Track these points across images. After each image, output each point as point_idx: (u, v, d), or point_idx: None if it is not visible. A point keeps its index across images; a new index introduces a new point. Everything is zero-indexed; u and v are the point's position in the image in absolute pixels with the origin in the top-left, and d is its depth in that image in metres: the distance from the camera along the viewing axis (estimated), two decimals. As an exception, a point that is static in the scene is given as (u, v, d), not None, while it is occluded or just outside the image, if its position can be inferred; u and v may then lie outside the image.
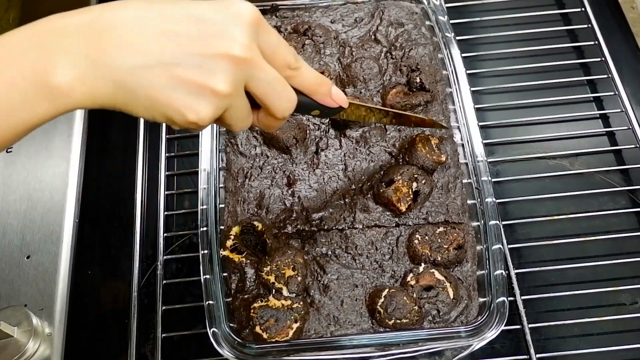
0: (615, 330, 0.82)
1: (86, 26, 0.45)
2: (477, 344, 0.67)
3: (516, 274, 0.83)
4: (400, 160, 0.79)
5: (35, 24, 0.45)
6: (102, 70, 0.45)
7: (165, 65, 0.46)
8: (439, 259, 0.73)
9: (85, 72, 0.45)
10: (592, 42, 1.03)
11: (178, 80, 0.46)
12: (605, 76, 1.00)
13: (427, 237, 0.74)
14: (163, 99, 0.47)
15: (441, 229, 0.75)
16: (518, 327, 0.80)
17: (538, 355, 0.78)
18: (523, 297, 0.82)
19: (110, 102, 0.47)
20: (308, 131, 0.82)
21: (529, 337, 0.79)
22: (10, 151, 0.94)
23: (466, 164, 0.79)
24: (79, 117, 0.98)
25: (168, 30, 0.46)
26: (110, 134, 1.01)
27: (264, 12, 0.94)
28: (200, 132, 0.79)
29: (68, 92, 0.45)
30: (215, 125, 0.79)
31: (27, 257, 0.87)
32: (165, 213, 0.89)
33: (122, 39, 0.45)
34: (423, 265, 0.73)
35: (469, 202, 0.78)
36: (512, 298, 0.81)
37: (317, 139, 0.81)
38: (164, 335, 0.80)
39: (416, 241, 0.74)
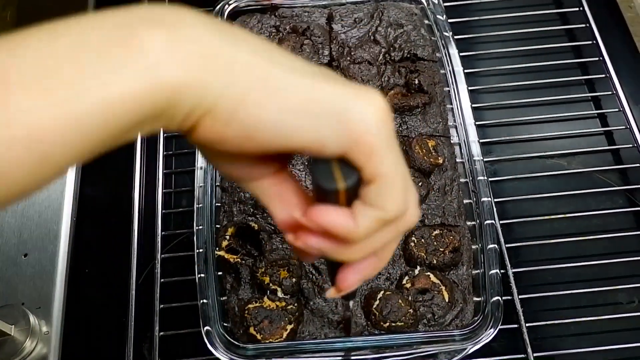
0: (612, 329, 0.82)
1: None
2: (472, 347, 0.67)
3: (513, 273, 0.83)
4: (397, 162, 0.78)
5: None
6: None
7: None
8: (435, 262, 0.72)
9: None
10: (590, 42, 1.03)
11: None
12: (603, 75, 1.00)
13: (423, 240, 0.73)
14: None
15: (437, 231, 0.74)
16: (515, 326, 0.79)
17: (535, 354, 0.78)
18: (520, 296, 0.81)
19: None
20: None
21: (526, 336, 0.79)
22: (8, 150, 0.94)
23: (463, 163, 0.78)
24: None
25: None
26: (107, 132, 1.01)
27: (263, 11, 0.93)
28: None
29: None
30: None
31: (24, 255, 0.86)
32: (163, 211, 0.89)
33: None
34: (419, 268, 0.72)
35: (465, 202, 0.77)
36: (509, 297, 0.80)
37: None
38: (161, 333, 0.80)
39: (412, 244, 0.73)
